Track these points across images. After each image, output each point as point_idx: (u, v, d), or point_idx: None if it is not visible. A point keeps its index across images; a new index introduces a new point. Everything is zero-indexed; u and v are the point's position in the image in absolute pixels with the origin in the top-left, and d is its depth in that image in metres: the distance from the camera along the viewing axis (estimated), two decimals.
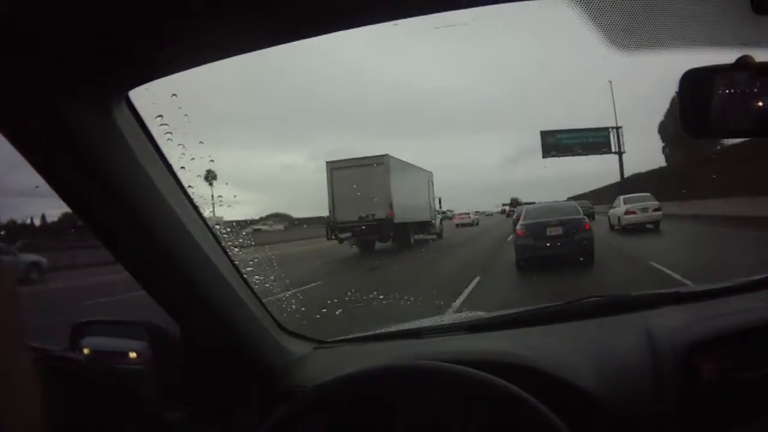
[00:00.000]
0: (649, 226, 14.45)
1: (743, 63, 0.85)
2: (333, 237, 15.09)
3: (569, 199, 21.83)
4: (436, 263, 12.02)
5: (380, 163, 15.23)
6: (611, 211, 16.13)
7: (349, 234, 15.06)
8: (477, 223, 28.31)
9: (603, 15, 0.91)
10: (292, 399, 1.01)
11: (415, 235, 16.43)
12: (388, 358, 1.23)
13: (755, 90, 0.85)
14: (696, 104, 0.87)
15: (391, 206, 14.63)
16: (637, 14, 0.93)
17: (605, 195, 27.18)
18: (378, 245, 15.20)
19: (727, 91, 0.86)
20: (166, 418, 1.12)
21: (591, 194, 29.67)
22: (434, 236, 17.85)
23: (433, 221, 18.31)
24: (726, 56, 0.88)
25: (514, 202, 24.69)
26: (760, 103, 0.85)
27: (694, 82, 0.87)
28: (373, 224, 14.35)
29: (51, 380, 0.47)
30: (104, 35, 0.74)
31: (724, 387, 1.05)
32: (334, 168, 15.89)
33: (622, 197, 15.47)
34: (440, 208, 19.64)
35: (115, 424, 0.99)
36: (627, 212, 14.56)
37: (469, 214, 29.01)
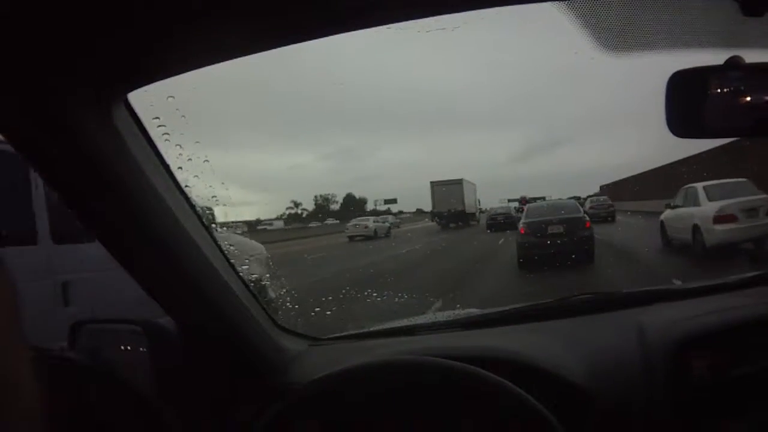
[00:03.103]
0: (748, 245, 7.67)
1: (733, 64, 0.86)
2: (433, 220, 29.15)
3: (601, 188, 29.70)
4: (480, 232, 22.50)
5: (458, 182, 28.49)
6: (671, 213, 9.20)
7: (436, 219, 29.56)
8: None
9: (594, 17, 0.92)
10: (287, 396, 1.02)
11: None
12: (383, 355, 1.24)
13: (744, 91, 0.86)
14: (684, 105, 0.88)
15: (464, 204, 27.92)
16: (627, 16, 0.94)
17: (626, 189, 25.89)
18: (450, 225, 27.56)
19: (716, 92, 0.87)
20: (162, 414, 1.14)
21: (606, 189, 29.07)
22: (475, 223, 29.40)
23: (476, 213, 31.31)
24: (715, 57, 0.89)
25: (523, 200, 28.31)
26: (749, 104, 0.86)
27: (682, 84, 0.88)
28: (455, 213, 27.21)
29: (51, 380, 0.48)
30: (104, 38, 0.75)
31: (714, 383, 1.07)
32: (434, 185, 28.92)
33: (700, 187, 8.36)
34: (479, 205, 33.31)
35: (113, 421, 1.01)
36: (719, 218, 7.52)
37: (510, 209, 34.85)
